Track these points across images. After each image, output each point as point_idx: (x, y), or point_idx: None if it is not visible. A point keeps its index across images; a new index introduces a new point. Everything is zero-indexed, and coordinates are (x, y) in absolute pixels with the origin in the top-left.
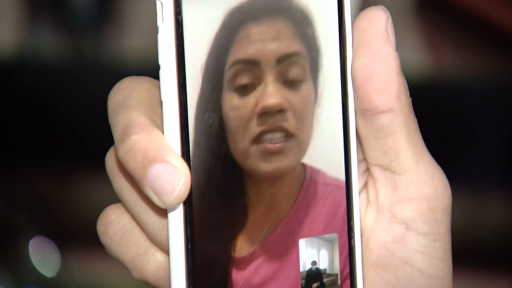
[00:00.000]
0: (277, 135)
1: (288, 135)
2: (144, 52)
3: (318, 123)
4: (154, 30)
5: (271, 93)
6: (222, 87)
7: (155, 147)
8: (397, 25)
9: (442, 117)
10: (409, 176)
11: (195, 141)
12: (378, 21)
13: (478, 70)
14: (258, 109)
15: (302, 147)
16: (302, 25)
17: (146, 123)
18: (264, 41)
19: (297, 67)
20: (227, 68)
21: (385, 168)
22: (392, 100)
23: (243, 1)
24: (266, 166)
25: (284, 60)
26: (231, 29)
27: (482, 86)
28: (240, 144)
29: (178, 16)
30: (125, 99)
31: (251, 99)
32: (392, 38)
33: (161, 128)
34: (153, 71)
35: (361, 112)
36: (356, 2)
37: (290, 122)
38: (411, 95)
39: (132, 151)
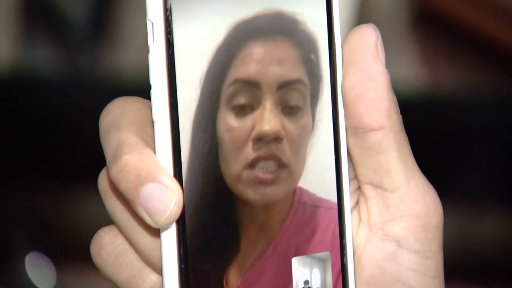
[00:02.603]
0: (271, 163)
1: (282, 165)
2: (139, 67)
3: (312, 148)
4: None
5: (268, 120)
6: (219, 106)
7: (147, 167)
8: (393, 40)
9: (437, 132)
10: (400, 193)
11: (187, 160)
12: (368, 39)
13: (474, 86)
14: (254, 134)
15: (294, 177)
16: (307, 50)
17: (138, 143)
18: (267, 63)
19: (297, 95)
20: (226, 87)
21: (376, 186)
22: (382, 118)
23: (241, 20)
24: (255, 194)
25: (285, 86)
26: (231, 47)
27: (478, 101)
28: (232, 168)
29: (169, 36)
30: (117, 120)
31: (247, 121)
32: (382, 55)
33: (152, 148)
34: (148, 87)
35: (352, 130)
36: (352, 15)
37: (284, 152)
38: (407, 110)
39: (124, 171)
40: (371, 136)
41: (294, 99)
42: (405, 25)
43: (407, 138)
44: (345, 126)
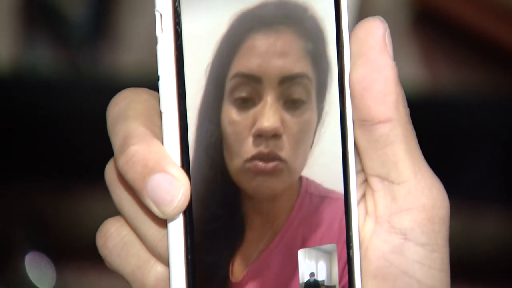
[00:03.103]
0: (270, 158)
1: (280, 159)
2: (140, 66)
3: (319, 139)
4: (150, 44)
5: (268, 116)
6: (223, 99)
7: (154, 157)
8: (394, 39)
9: (438, 131)
10: (407, 186)
11: (194, 151)
12: (376, 31)
13: (475, 85)
14: (253, 130)
15: (294, 171)
16: (313, 41)
17: (146, 133)
18: (269, 56)
19: (300, 89)
20: (229, 80)
21: (384, 178)
22: (390, 110)
23: (249, 10)
24: (256, 186)
25: (288, 80)
26: (236, 38)
27: (478, 101)
28: (234, 160)
29: (178, 27)
30: (124, 110)
31: (249, 116)
32: (389, 48)
33: (160, 139)
34: (150, 85)
35: (360, 122)
36: (353, 14)
37: (283, 148)
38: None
39: (132, 162)
40: (379, 128)
41: (297, 93)
42: (405, 25)
43: (414, 131)
44: (353, 118)
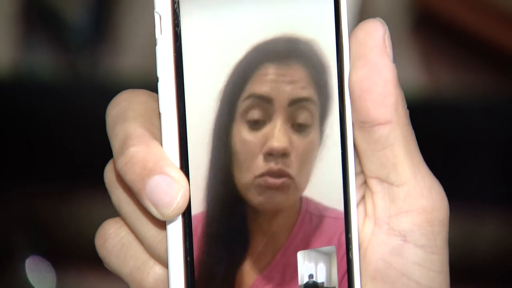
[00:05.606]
0: (278, 175)
1: (288, 176)
2: (139, 70)
3: (320, 160)
4: (150, 48)
5: (278, 136)
6: (233, 116)
7: (154, 159)
8: (394, 43)
9: (438, 134)
10: (406, 188)
11: (195, 154)
12: (376, 33)
13: (475, 89)
14: (265, 149)
15: (299, 187)
16: (318, 71)
17: (145, 135)
18: (280, 81)
19: (307, 112)
20: (241, 100)
21: (383, 180)
22: (389, 112)
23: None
24: (263, 200)
25: (296, 103)
26: (245, 64)
27: (478, 104)
28: (244, 175)
29: (177, 28)
30: (124, 112)
31: (260, 135)
32: (389, 50)
33: (159, 140)
34: (149, 89)
35: (359, 124)
36: (353, 17)
37: (291, 166)
38: None
39: (131, 163)
40: (378, 130)
41: (303, 116)
42: (405, 29)
43: (413, 133)
44: (352, 120)
